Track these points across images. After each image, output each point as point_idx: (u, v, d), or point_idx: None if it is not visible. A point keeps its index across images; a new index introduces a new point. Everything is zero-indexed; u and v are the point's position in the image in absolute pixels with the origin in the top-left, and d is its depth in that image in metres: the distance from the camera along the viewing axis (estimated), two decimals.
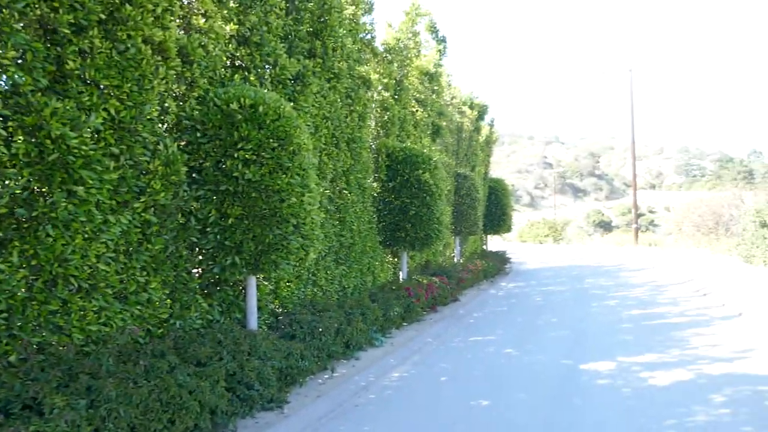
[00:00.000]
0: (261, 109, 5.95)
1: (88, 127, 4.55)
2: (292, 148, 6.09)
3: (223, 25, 6.45)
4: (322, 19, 8.57)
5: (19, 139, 4.19)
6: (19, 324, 4.10)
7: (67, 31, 4.50)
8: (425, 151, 12.17)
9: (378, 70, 11.65)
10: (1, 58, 3.98)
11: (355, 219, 9.90)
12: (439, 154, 15.05)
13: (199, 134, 5.93)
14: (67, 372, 4.07)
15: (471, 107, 19.29)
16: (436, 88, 14.92)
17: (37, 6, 4.32)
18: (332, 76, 8.98)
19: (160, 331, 5.36)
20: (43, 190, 4.36)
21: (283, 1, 7.54)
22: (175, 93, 5.87)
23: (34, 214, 4.24)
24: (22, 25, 4.17)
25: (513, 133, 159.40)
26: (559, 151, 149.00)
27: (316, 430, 5.38)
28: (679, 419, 5.36)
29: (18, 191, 4.19)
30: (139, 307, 5.08)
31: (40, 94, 4.28)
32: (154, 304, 5.25)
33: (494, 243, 37.12)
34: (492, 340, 9.16)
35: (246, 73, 6.86)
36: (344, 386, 6.58)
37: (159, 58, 5.38)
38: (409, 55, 13.14)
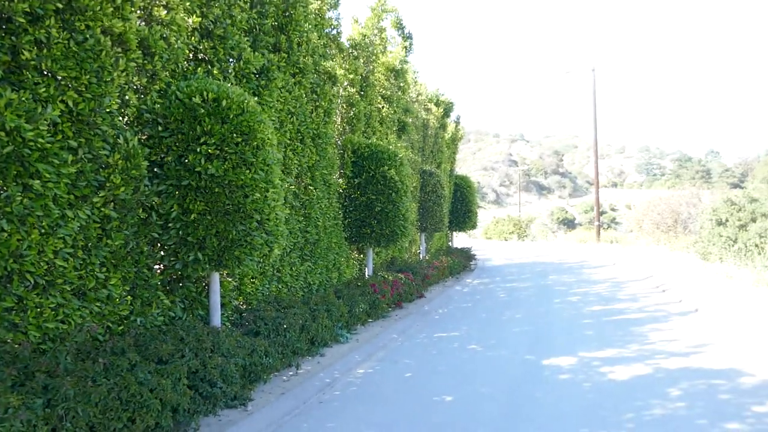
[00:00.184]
0: (224, 103, 5.87)
1: (45, 120, 4.42)
2: (256, 143, 6.02)
3: (186, 17, 6.34)
4: (287, 13, 8.50)
5: None
6: None
7: (22, 20, 4.37)
8: (391, 147, 12.17)
9: (344, 65, 11.61)
10: None
11: (321, 215, 9.85)
12: (405, 151, 15.10)
13: (160, 128, 5.83)
14: (22, 370, 3.95)
15: (437, 104, 19.36)
16: (402, 84, 14.92)
17: None
18: (297, 71, 8.91)
19: (120, 328, 5.25)
20: None
21: None
22: (135, 86, 5.75)
23: None
24: None
25: (479, 131, 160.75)
26: (524, 149, 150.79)
27: (280, 427, 5.35)
28: (637, 412, 5.48)
29: None
30: (98, 304, 4.97)
31: None
32: (114, 301, 5.14)
33: (460, 240, 37.37)
34: (456, 336, 9.22)
35: (209, 67, 6.76)
36: (309, 383, 6.55)
37: (119, 49, 5.26)
38: (375, 51, 13.12)
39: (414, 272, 13.55)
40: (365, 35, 12.73)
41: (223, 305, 6.84)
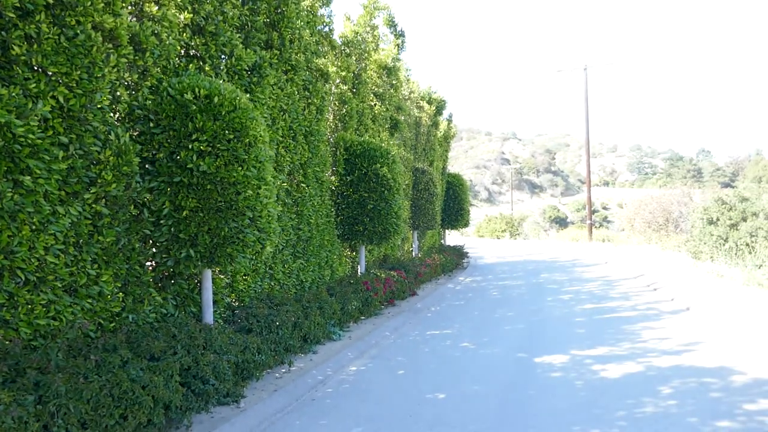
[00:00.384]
0: (216, 99, 5.85)
1: (35, 115, 4.40)
2: (248, 140, 6.01)
3: (177, 14, 6.31)
4: (279, 10, 8.48)
5: None
6: None
7: (12, 15, 4.34)
8: (383, 145, 12.18)
9: (336, 63, 11.59)
10: None
11: (313, 212, 9.84)
12: (397, 149, 15.10)
13: (152, 124, 5.80)
14: (13, 367, 3.93)
15: (429, 102, 19.37)
16: (394, 82, 14.92)
17: None
18: (289, 68, 8.89)
19: (112, 325, 5.23)
20: None
21: None
22: (127, 82, 5.72)
23: None
24: None
25: (471, 129, 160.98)
26: (516, 148, 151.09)
27: (272, 424, 5.34)
28: (629, 410, 5.50)
29: None
30: (89, 301, 4.94)
31: None
32: (105, 298, 5.11)
33: (452, 238, 37.44)
34: (449, 334, 9.23)
35: (201, 63, 6.74)
36: (301, 380, 6.55)
37: (110, 45, 5.23)
38: (368, 49, 13.11)
39: (407, 270, 13.56)
40: (357, 33, 12.72)
41: (215, 302, 6.83)
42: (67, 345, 4.49)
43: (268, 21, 8.34)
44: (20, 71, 4.44)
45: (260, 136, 6.20)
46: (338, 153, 11.29)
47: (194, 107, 5.78)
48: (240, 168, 5.89)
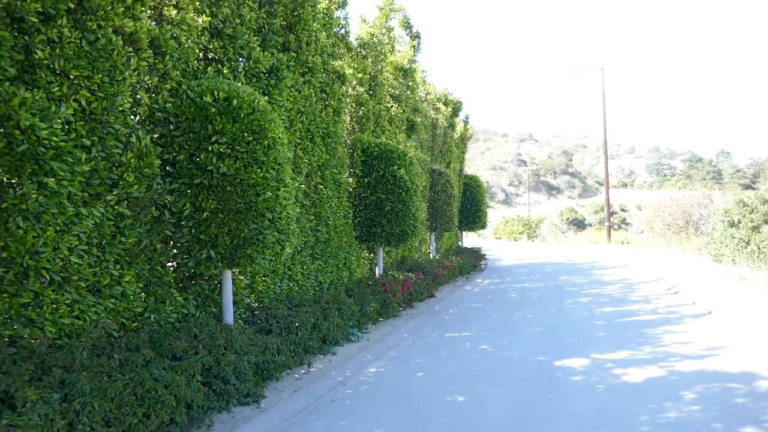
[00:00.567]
0: (235, 102, 5.89)
1: (59, 118, 4.47)
2: (266, 142, 6.04)
3: (196, 17, 6.37)
4: (295, 13, 8.53)
5: None
6: None
7: (35, 19, 4.41)
8: (400, 146, 12.19)
9: (352, 65, 11.62)
10: None
11: (331, 214, 9.87)
12: (414, 150, 15.09)
13: (172, 127, 5.86)
14: (39, 365, 3.99)
15: (445, 103, 19.35)
16: (410, 84, 14.92)
17: None
18: (306, 70, 8.93)
19: (134, 324, 5.29)
20: (13, 181, 4.27)
21: None
22: (147, 85, 5.79)
23: (3, 205, 4.16)
24: None
25: (487, 130, 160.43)
26: (533, 149, 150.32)
27: (292, 424, 5.36)
28: (651, 415, 5.43)
29: None
30: (112, 301, 5.00)
31: (8, 83, 4.19)
32: (128, 298, 5.17)
33: (469, 240, 37.33)
34: (468, 336, 9.20)
35: (219, 66, 6.79)
36: (321, 381, 6.56)
37: (130, 49, 5.30)
38: (384, 51, 13.13)
39: (424, 272, 13.54)
40: (373, 34, 12.74)
41: (235, 303, 6.87)
42: (91, 344, 4.55)
43: (284, 24, 8.39)
44: (43, 75, 4.51)
45: (279, 138, 6.24)
46: (355, 155, 11.32)
47: (213, 110, 5.83)
48: (259, 170, 5.93)
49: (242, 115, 5.90)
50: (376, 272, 12.12)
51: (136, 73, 5.35)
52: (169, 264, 5.98)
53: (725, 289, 13.30)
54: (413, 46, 14.96)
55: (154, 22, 5.99)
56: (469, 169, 28.50)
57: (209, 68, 6.59)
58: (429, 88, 17.96)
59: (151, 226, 5.54)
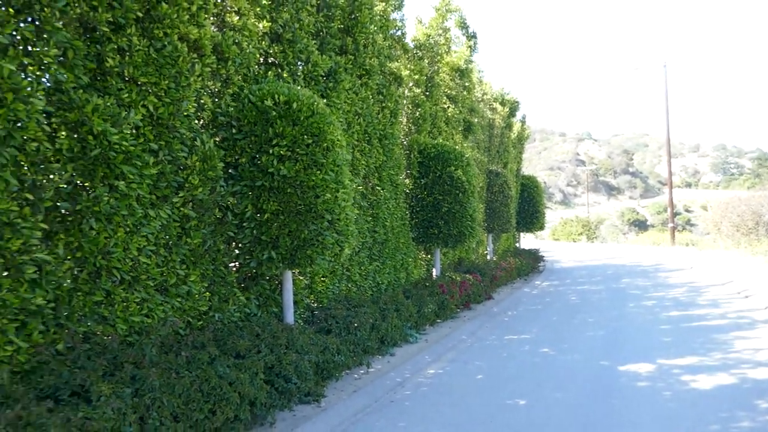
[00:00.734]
0: (295, 105, 5.99)
1: (128, 124, 4.64)
2: (326, 144, 6.12)
3: (257, 23, 6.51)
4: (352, 16, 8.60)
5: (63, 135, 4.29)
6: (65, 314, 4.21)
7: (106, 29, 4.59)
8: (457, 147, 12.11)
9: (409, 66, 11.63)
10: (44, 56, 4.08)
11: (388, 215, 9.90)
12: (471, 151, 14.99)
13: (234, 130, 6.01)
14: (112, 361, 4.15)
15: (502, 103, 19.14)
16: (467, 84, 14.83)
17: (77, 4, 4.41)
18: (364, 72, 9.00)
19: (199, 323, 5.44)
20: (86, 184, 4.46)
21: None
22: (210, 90, 5.95)
23: (78, 207, 4.35)
24: (63, 23, 4.26)
25: (544, 130, 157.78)
26: (592, 148, 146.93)
27: (352, 424, 5.39)
28: (723, 424, 5.18)
29: (62, 185, 4.29)
30: (179, 299, 5.17)
31: (81, 91, 4.38)
32: (193, 297, 5.33)
33: (527, 241, 36.79)
34: (527, 339, 9.06)
35: (279, 70, 6.92)
36: (380, 382, 6.58)
37: (195, 55, 5.46)
38: (440, 52, 13.09)
39: (482, 273, 13.42)
40: (429, 35, 12.72)
41: (295, 303, 6.97)
42: (159, 341, 4.70)
43: (342, 27, 8.48)
44: (114, 82, 4.69)
45: (337, 140, 6.31)
46: (412, 156, 11.33)
47: (274, 113, 5.94)
48: (318, 172, 6.01)
49: (302, 118, 5.99)
50: (434, 273, 12.08)
51: (200, 78, 5.50)
52: (232, 264, 6.12)
53: None
54: (469, 47, 14.87)
55: (216, 29, 6.15)
56: (526, 170, 28.10)
57: (269, 72, 6.71)
58: (485, 88, 17.81)
59: (214, 228, 5.69)
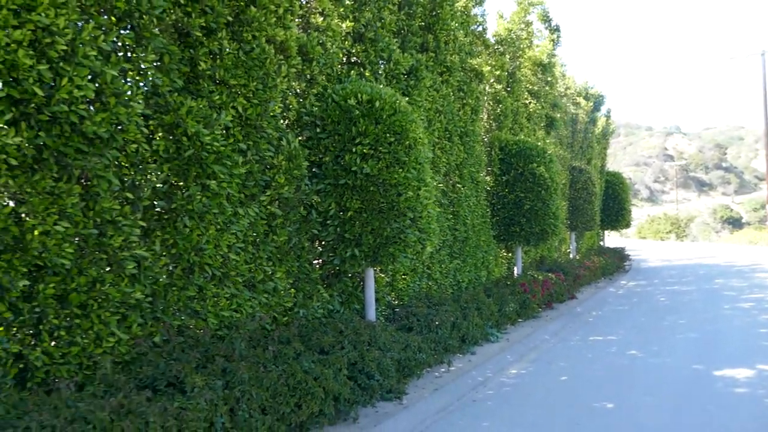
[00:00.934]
0: (377, 104, 6.03)
1: (219, 125, 4.80)
2: (408, 142, 6.14)
3: (340, 23, 6.60)
4: (434, 13, 8.57)
5: (159, 137, 4.50)
6: (161, 308, 4.42)
7: (199, 33, 4.76)
8: (539, 143, 11.86)
9: (490, 62, 11.48)
10: (143, 62, 4.29)
11: (469, 213, 9.82)
12: (554, 147, 14.66)
13: (318, 130, 6.11)
14: (204, 354, 4.32)
15: (586, 98, 18.59)
16: (549, 79, 14.49)
17: (172, 11, 4.60)
18: (444, 69, 8.95)
19: (285, 318, 5.58)
20: (180, 184, 4.66)
21: None
22: (295, 90, 6.08)
23: (173, 206, 4.55)
24: (159, 29, 4.45)
25: (629, 124, 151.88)
26: (681, 143, 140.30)
27: (434, 422, 5.39)
28: None
29: (158, 185, 4.49)
30: (266, 295, 5.31)
31: (176, 94, 4.57)
32: (279, 293, 5.47)
33: (611, 239, 35.59)
34: (613, 340, 8.77)
35: (361, 69, 6.98)
36: (461, 380, 6.55)
37: (281, 56, 5.59)
38: (522, 46, 12.85)
39: (565, 272, 13.09)
40: (511, 30, 12.51)
41: (377, 300, 7.03)
42: (248, 336, 4.85)
43: (423, 24, 8.46)
44: (206, 85, 4.86)
45: (419, 138, 6.31)
46: (493, 153, 11.18)
47: (357, 112, 6.00)
48: (401, 170, 6.03)
49: (384, 117, 6.03)
50: (515, 272, 11.90)
51: (286, 79, 5.63)
52: (315, 261, 6.24)
53: None
54: (552, 40, 14.52)
55: (301, 30, 6.27)
56: (611, 166, 27.17)
57: (352, 72, 6.79)
58: (568, 83, 17.36)
59: (299, 225, 5.81)
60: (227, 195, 4.94)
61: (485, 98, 11.19)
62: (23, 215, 3.62)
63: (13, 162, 3.44)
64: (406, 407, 5.58)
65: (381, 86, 6.34)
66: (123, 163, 4.19)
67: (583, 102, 18.20)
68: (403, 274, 7.81)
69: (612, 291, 14.74)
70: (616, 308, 11.96)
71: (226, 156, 4.84)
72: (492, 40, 11.77)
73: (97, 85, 3.84)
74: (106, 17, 4.05)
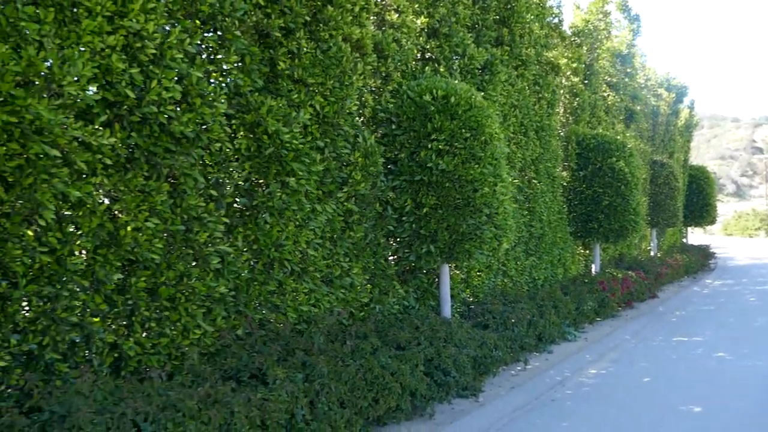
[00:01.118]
0: (453, 99, 6.00)
1: (298, 123, 4.90)
2: (483, 137, 6.08)
3: (415, 19, 6.59)
4: (509, 6, 8.43)
5: (241, 135, 4.63)
6: (243, 301, 4.56)
7: (278, 34, 4.87)
8: (618, 137, 11.50)
9: (566, 54, 11.21)
10: (226, 63, 4.42)
11: (545, 209, 9.64)
12: (634, 141, 14.17)
13: (394, 126, 6.14)
14: (284, 347, 4.43)
15: (668, 89, 17.84)
16: (628, 70, 14.03)
17: (253, 13, 4.72)
18: (520, 63, 8.81)
19: (361, 314, 5.64)
20: (261, 181, 4.78)
21: None
22: (371, 87, 6.12)
23: (254, 203, 4.67)
24: (241, 31, 4.58)
25: (715, 116, 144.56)
26: None
27: (512, 420, 5.32)
28: None
29: (240, 183, 4.63)
30: (343, 291, 5.39)
31: (257, 93, 4.68)
32: (355, 289, 5.53)
33: (695, 236, 34.06)
34: (699, 342, 8.40)
35: (436, 65, 6.96)
36: (538, 379, 6.43)
37: (357, 54, 5.64)
38: (599, 37, 12.48)
39: (645, 270, 12.64)
40: (588, 21, 12.18)
41: (452, 297, 7.00)
42: (326, 330, 4.94)
43: (498, 18, 8.34)
44: (285, 84, 4.97)
45: (495, 133, 6.24)
46: (570, 147, 10.92)
47: (432, 108, 5.98)
48: (477, 165, 5.98)
49: (460, 112, 5.99)
50: (593, 269, 11.60)
51: (362, 77, 5.68)
52: (391, 258, 6.27)
53: None
54: (631, 30, 14.06)
55: (376, 27, 6.30)
56: (694, 159, 25.98)
57: (426, 68, 6.78)
58: (649, 73, 16.72)
59: (375, 222, 5.86)
60: (305, 192, 5.03)
61: (561, 91, 10.94)
62: (117, 212, 3.82)
63: (108, 162, 3.62)
64: (482, 405, 5.54)
65: (456, 82, 6.30)
66: (207, 162, 4.34)
67: (664, 93, 17.49)
68: (478, 271, 7.74)
69: (696, 290, 14.11)
70: (701, 308, 11.44)
71: (304, 153, 4.93)
72: (568, 32, 11.49)
73: (183, 86, 3.99)
74: (191, 21, 4.19)
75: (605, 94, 12.93)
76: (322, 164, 5.16)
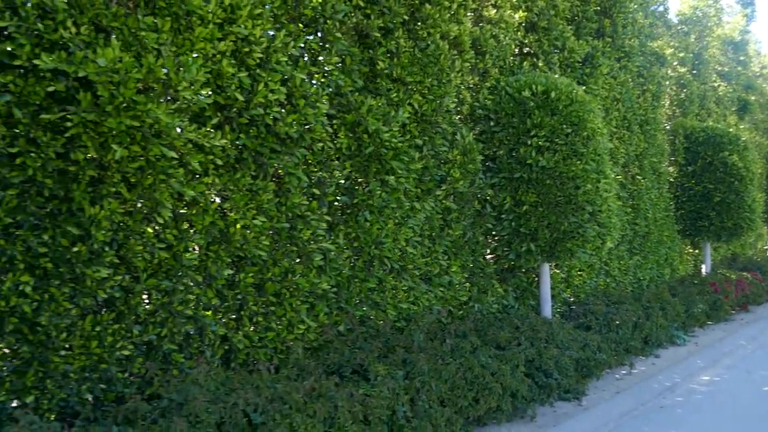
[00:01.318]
0: (553, 95, 5.85)
1: (397, 122, 4.93)
2: (585, 133, 5.90)
3: (512, 14, 6.48)
4: None
5: (342, 135, 4.71)
6: (345, 298, 4.64)
7: (377, 34, 4.92)
8: (731, 130, 10.82)
9: (672, 43, 10.68)
10: (327, 64, 4.51)
11: (650, 206, 9.22)
12: (748, 133, 13.30)
13: (492, 123, 6.06)
14: (384, 344, 4.48)
15: None
16: (741, 58, 13.17)
17: (353, 14, 4.79)
18: (622, 54, 8.46)
19: (460, 312, 5.61)
20: (361, 179, 4.85)
21: None
22: (469, 84, 6.07)
23: (354, 201, 4.75)
24: (341, 33, 4.66)
25: None
26: None
27: (618, 426, 5.12)
28: None
29: (341, 181, 4.72)
30: (441, 289, 5.38)
31: (357, 93, 4.76)
32: (454, 287, 5.51)
33: None
34: None
35: (534, 60, 6.81)
36: (645, 384, 6.15)
37: (455, 52, 5.61)
38: (709, 24, 11.81)
39: (762, 271, 11.84)
40: (696, 7, 11.57)
41: (552, 297, 6.83)
42: (425, 328, 4.94)
43: (599, 9, 8.06)
44: (384, 83, 5.02)
45: (598, 128, 6.03)
46: (677, 141, 10.40)
47: (532, 104, 5.86)
48: (579, 162, 5.80)
49: (560, 108, 5.84)
50: (703, 270, 10.98)
51: (459, 74, 5.65)
52: (489, 256, 6.20)
53: None
54: (745, 15, 13.19)
55: (474, 24, 6.24)
56: None
57: (525, 63, 6.64)
58: (765, 61, 15.61)
59: (474, 220, 5.81)
60: (405, 190, 5.06)
61: (667, 83, 10.43)
62: (227, 211, 3.99)
63: (219, 162, 3.79)
64: (585, 409, 5.36)
65: (556, 76, 6.14)
66: (310, 161, 4.45)
67: None
68: (579, 270, 7.51)
69: None
70: None
71: (403, 152, 4.96)
72: (675, 20, 10.97)
73: (287, 88, 4.12)
74: (294, 25, 4.31)
75: (716, 85, 12.20)
76: (420, 162, 5.17)
